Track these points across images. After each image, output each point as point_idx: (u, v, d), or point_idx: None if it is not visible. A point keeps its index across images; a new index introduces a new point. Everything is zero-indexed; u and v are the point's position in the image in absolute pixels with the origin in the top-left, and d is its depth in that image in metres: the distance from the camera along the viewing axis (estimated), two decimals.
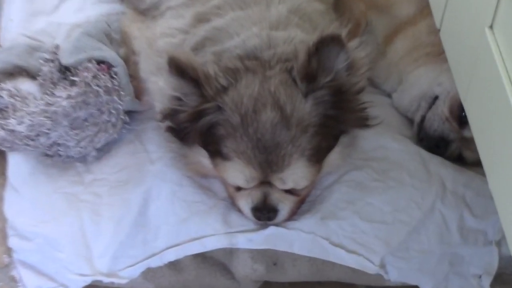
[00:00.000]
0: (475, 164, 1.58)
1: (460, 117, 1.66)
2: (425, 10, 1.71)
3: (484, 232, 1.65)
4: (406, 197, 1.64)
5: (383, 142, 1.72)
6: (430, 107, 1.75)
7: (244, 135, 1.50)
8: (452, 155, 1.73)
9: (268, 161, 1.50)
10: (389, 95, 1.85)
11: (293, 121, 1.50)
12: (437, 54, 1.68)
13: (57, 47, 1.75)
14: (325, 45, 1.48)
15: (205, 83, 1.51)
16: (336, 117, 1.54)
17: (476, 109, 1.47)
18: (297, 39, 1.56)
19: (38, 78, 1.73)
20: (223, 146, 1.52)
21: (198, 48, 1.60)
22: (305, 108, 1.51)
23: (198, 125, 1.53)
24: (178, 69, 1.50)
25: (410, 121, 1.80)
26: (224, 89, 1.51)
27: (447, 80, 1.66)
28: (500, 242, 1.62)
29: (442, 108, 1.72)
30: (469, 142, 1.56)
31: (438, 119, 1.72)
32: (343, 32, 1.52)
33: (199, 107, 1.52)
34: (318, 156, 1.54)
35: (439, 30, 1.58)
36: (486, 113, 1.42)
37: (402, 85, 1.81)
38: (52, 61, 1.72)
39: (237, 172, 1.53)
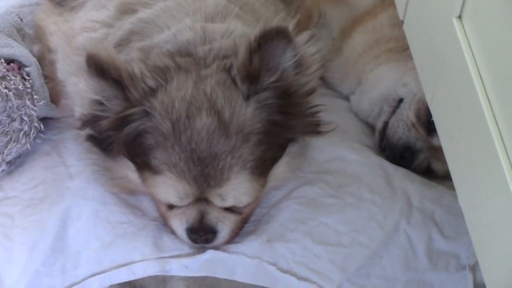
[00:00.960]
0: (446, 178, 1.51)
1: (428, 123, 1.59)
2: (386, 0, 1.70)
3: (456, 256, 1.57)
4: (366, 216, 1.56)
5: (339, 153, 1.65)
6: (393, 111, 1.69)
7: (176, 145, 1.41)
8: (419, 167, 1.67)
9: (204, 175, 1.41)
10: (346, 98, 1.79)
11: (233, 128, 1.41)
12: (401, 50, 1.64)
13: None
14: (269, 40, 1.39)
15: (130, 84, 1.41)
16: (283, 123, 1.46)
17: (444, 112, 1.40)
18: (237, 32, 1.48)
19: None
20: (152, 158, 1.42)
21: (122, 43, 1.51)
22: (247, 113, 1.42)
23: (123, 133, 1.44)
24: (99, 69, 1.41)
25: (371, 128, 1.75)
26: (153, 92, 1.41)
27: (412, 80, 1.61)
28: (475, 267, 1.55)
29: (408, 113, 1.66)
30: (439, 152, 1.50)
31: (403, 125, 1.67)
32: (291, 25, 1.43)
33: (124, 112, 1.42)
34: (262, 169, 1.46)
35: (402, 22, 1.52)
36: (454, 116, 1.35)
37: (361, 86, 1.76)
38: None
39: (169, 187, 1.44)
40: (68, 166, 1.59)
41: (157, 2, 1.54)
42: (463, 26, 1.31)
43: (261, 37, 1.38)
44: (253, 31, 1.43)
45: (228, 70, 1.43)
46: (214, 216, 1.46)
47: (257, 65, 1.41)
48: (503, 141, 1.19)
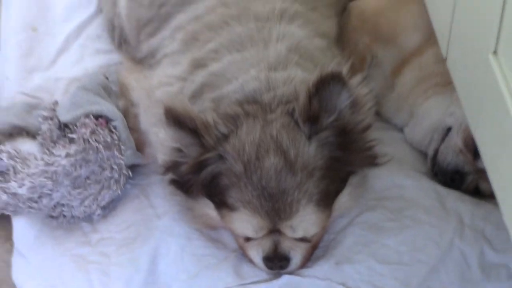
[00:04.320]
0: (494, 196, 1.42)
1: (474, 148, 1.59)
2: (431, 39, 1.68)
3: (506, 266, 1.58)
4: (423, 236, 1.59)
5: (396, 180, 1.68)
6: (443, 139, 1.70)
7: (248, 184, 1.46)
8: (468, 188, 1.68)
9: (275, 209, 1.45)
10: (400, 130, 1.81)
11: (298, 165, 1.46)
12: (446, 83, 1.63)
13: (55, 103, 1.74)
14: (326, 84, 1.44)
15: (204, 132, 1.48)
16: (343, 159, 1.51)
17: (486, 139, 1.42)
18: (297, 79, 1.53)
19: (38, 137, 1.71)
20: (228, 197, 1.48)
21: (196, 95, 1.58)
22: (310, 151, 1.47)
23: (201, 176, 1.50)
24: (176, 119, 1.48)
25: (424, 155, 1.77)
26: (225, 137, 1.48)
27: (458, 110, 1.62)
28: None
29: (455, 140, 1.68)
30: (486, 174, 1.44)
31: (452, 152, 1.68)
32: (345, 69, 1.49)
33: (200, 157, 1.48)
34: (327, 201, 1.51)
35: (445, 59, 1.54)
36: (495, 143, 1.36)
37: (413, 119, 1.78)
38: (51, 118, 1.70)
39: (245, 222, 1.49)
40: (155, 207, 1.64)
41: (225, 56, 1.59)
42: (498, 60, 1.31)
43: (318, 82, 1.44)
44: (311, 77, 1.48)
45: (291, 113, 1.47)
46: (287, 245, 1.50)
47: (316, 107, 1.45)
48: None
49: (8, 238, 1.67)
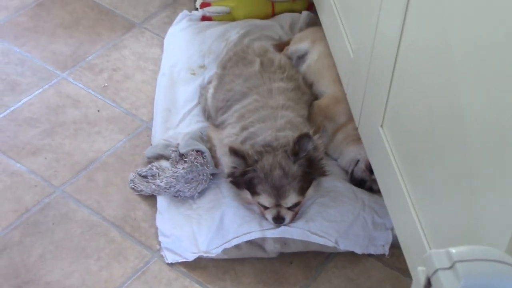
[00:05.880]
0: (379, 192, 1.61)
1: (370, 169, 1.69)
2: (351, 118, 1.76)
3: (384, 224, 1.75)
4: (346, 209, 1.75)
5: (334, 183, 1.81)
6: (355, 165, 1.84)
7: (266, 182, 1.67)
8: (367, 188, 1.83)
9: (279, 194, 1.68)
10: (336, 160, 1.91)
11: (289, 174, 1.67)
12: (358, 139, 1.72)
13: (178, 144, 1.86)
14: (302, 138, 1.66)
15: (248, 158, 1.66)
16: (310, 171, 1.70)
17: (377, 166, 1.60)
18: (289, 135, 1.70)
19: (169, 159, 1.84)
20: (256, 188, 1.68)
21: (243, 142, 1.73)
22: (294, 168, 1.68)
23: (244, 178, 1.69)
24: (234, 152, 1.67)
25: (346, 172, 1.87)
26: (256, 161, 1.67)
27: (363, 152, 1.72)
28: (392, 228, 1.67)
29: (361, 165, 1.81)
30: (376, 181, 1.62)
31: (360, 171, 1.82)
32: (311, 131, 1.69)
33: (245, 169, 1.68)
34: (302, 191, 1.70)
35: (358, 128, 1.70)
36: (381, 169, 1.56)
37: (342, 155, 1.88)
38: (176, 151, 1.84)
39: (264, 200, 1.68)
40: (223, 193, 1.81)
41: (256, 124, 1.76)
42: (384, 132, 1.47)
43: (298, 137, 1.66)
44: (295, 135, 1.67)
45: (286, 151, 1.68)
46: (283, 212, 1.69)
47: (297, 149, 1.66)
48: (403, 179, 1.40)
49: (155, 205, 1.82)
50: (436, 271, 0.73)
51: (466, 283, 0.71)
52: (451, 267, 0.73)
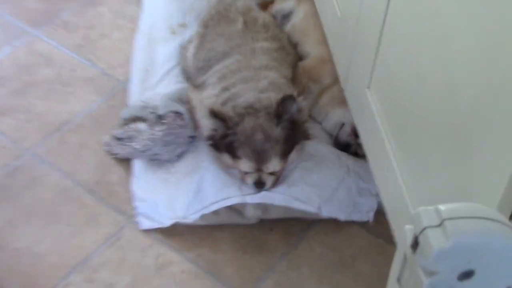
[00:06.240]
0: (364, 157, 1.59)
1: (356, 133, 1.67)
2: (337, 80, 1.73)
3: (369, 190, 1.73)
4: (330, 174, 1.73)
5: (318, 147, 1.79)
6: (340, 128, 1.82)
7: (247, 146, 1.64)
8: (352, 152, 1.80)
9: (260, 158, 1.65)
10: (320, 123, 1.89)
11: (271, 138, 1.64)
12: (344, 102, 1.68)
13: (156, 106, 1.82)
14: (285, 100, 1.63)
15: (228, 120, 1.63)
16: (293, 135, 1.67)
17: (363, 130, 1.57)
18: (272, 97, 1.68)
19: (146, 121, 1.81)
20: (237, 152, 1.65)
21: (223, 104, 1.71)
22: (277, 131, 1.65)
23: (224, 141, 1.66)
24: (214, 114, 1.64)
25: (331, 136, 1.85)
26: (237, 124, 1.64)
27: (349, 115, 1.68)
28: (377, 195, 1.63)
29: (347, 129, 1.79)
30: (361, 146, 1.61)
31: (345, 134, 1.81)
32: (295, 93, 1.67)
33: (225, 132, 1.65)
34: (285, 155, 1.67)
35: (344, 90, 1.67)
36: (367, 132, 1.53)
37: (327, 118, 1.86)
38: (154, 113, 1.80)
39: (245, 164, 1.65)
40: (202, 156, 1.76)
41: (238, 85, 1.73)
42: (371, 93, 1.45)
43: (282, 99, 1.63)
44: (279, 96, 1.64)
45: (269, 113, 1.65)
46: (264, 177, 1.66)
47: (280, 111, 1.63)
48: (389, 143, 1.37)
49: (130, 168, 1.77)
50: (424, 229, 0.72)
51: (455, 241, 0.70)
52: (440, 225, 0.71)
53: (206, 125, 1.70)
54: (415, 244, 0.73)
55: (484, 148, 0.96)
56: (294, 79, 1.84)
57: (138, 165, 1.74)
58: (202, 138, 1.76)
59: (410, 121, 1.25)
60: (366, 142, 1.51)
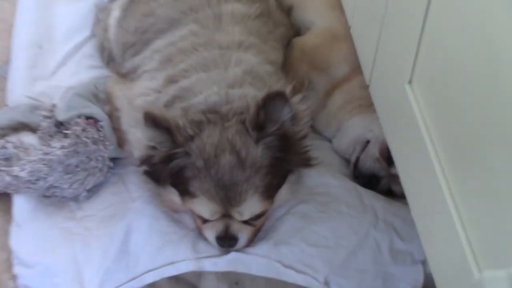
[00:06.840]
0: (402, 197, 1.45)
1: (388, 158, 1.55)
2: (357, 69, 1.62)
3: (411, 253, 1.55)
4: (344, 225, 1.54)
5: (325, 180, 1.62)
6: (363, 149, 1.65)
7: (207, 176, 1.41)
8: (382, 189, 1.64)
9: (228, 197, 1.41)
10: (329, 140, 1.75)
11: (248, 163, 1.41)
12: (368, 105, 1.58)
13: (54, 106, 1.67)
14: (271, 100, 1.40)
15: (176, 132, 1.42)
16: (284, 159, 1.45)
17: (400, 151, 1.40)
18: (250, 95, 1.48)
19: (38, 131, 1.64)
20: (190, 186, 1.42)
21: (168, 104, 1.52)
22: (257, 152, 1.42)
23: (169, 167, 1.43)
24: (153, 121, 1.42)
25: (347, 161, 1.71)
26: (191, 138, 1.42)
27: (376, 127, 1.57)
28: (425, 262, 1.52)
29: (373, 151, 1.63)
30: (397, 178, 1.46)
31: (370, 160, 1.63)
32: (288, 89, 1.45)
33: (170, 151, 1.43)
34: (269, 192, 1.45)
35: (368, 86, 1.51)
36: (408, 154, 1.35)
37: (339, 132, 1.72)
38: (50, 117, 1.63)
39: (203, 207, 1.43)
40: (130, 192, 1.60)
41: (193, 75, 1.54)
42: (413, 90, 1.31)
43: (265, 98, 1.40)
44: (261, 94, 1.44)
45: (243, 122, 1.43)
46: (236, 228, 1.46)
47: (263, 118, 1.41)
48: (443, 172, 1.20)
49: (8, 211, 1.59)
50: None
51: None
52: None
53: (139, 139, 1.49)
54: None
55: None
56: (286, 66, 1.72)
57: (21, 206, 1.60)
58: (132, 161, 1.59)
59: (475, 132, 1.10)
60: (406, 171, 1.37)
